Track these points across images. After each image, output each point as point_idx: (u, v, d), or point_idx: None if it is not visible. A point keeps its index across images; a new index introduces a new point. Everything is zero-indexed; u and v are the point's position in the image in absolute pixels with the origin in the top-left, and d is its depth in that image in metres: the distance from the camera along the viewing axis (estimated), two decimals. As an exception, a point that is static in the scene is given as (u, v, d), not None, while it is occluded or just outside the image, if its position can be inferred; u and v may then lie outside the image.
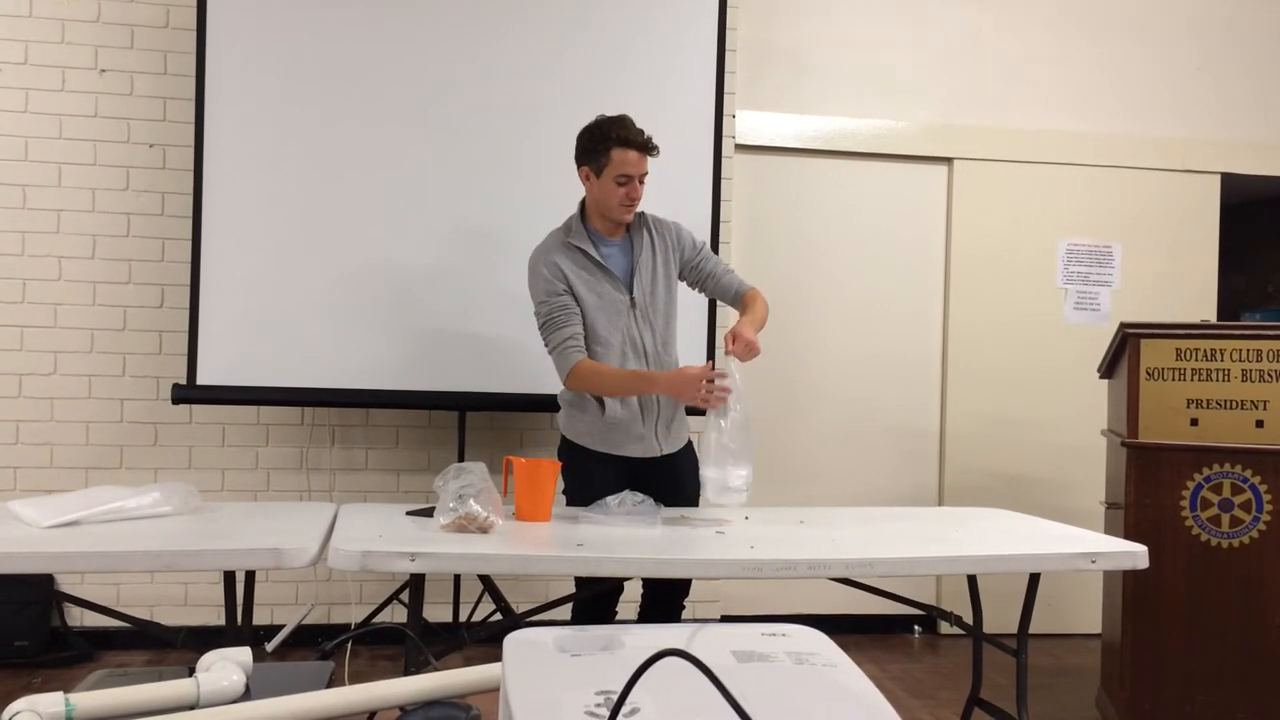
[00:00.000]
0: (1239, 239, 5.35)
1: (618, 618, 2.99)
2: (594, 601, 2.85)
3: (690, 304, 3.18)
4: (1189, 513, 3.08)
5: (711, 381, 2.52)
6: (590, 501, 2.59)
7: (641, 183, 2.72)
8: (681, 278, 2.95)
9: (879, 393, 4.55)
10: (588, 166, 2.74)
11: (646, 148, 2.69)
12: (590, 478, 2.77)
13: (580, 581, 2.74)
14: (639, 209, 2.82)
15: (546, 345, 2.77)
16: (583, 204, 2.84)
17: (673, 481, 2.81)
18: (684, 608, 2.97)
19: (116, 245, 3.89)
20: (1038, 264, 4.63)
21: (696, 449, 2.74)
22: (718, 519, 2.61)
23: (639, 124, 2.74)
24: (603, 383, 2.72)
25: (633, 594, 2.95)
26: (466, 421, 3.81)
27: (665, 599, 2.92)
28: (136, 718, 1.07)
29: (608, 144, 2.68)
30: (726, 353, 2.58)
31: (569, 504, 2.82)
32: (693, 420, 2.93)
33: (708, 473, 2.53)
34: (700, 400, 2.53)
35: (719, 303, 3.42)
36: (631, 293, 2.79)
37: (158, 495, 2.39)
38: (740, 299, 2.87)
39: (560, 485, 2.77)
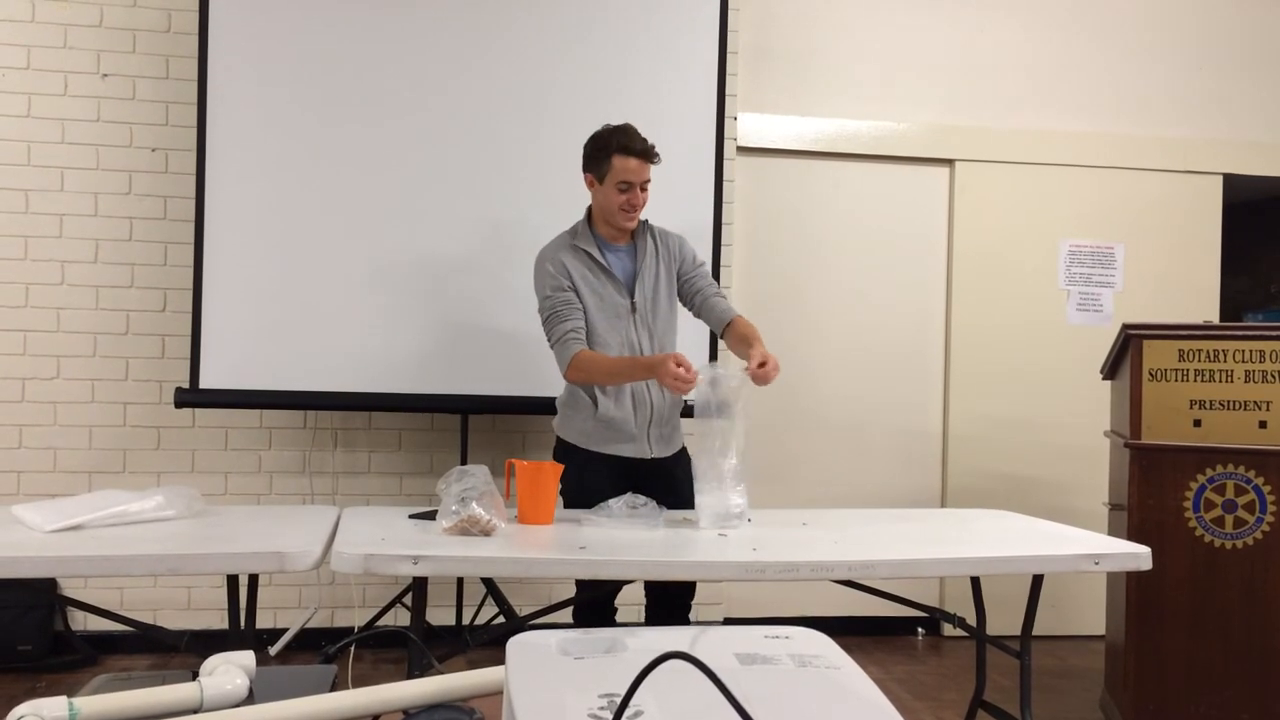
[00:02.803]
0: (1241, 240, 5.35)
1: (618, 616, 3.00)
2: (595, 602, 2.86)
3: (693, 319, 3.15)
4: (1192, 514, 3.07)
5: (681, 367, 2.50)
6: (584, 501, 2.59)
7: (644, 190, 2.78)
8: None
9: (881, 394, 4.55)
10: (590, 174, 2.80)
11: (647, 155, 2.74)
12: (583, 477, 2.79)
13: (581, 584, 2.74)
14: (645, 218, 2.87)
15: (549, 338, 2.81)
16: (590, 210, 2.89)
17: (666, 486, 2.81)
18: (690, 608, 2.97)
19: (119, 249, 3.89)
20: (1040, 265, 4.63)
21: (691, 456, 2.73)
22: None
23: (642, 127, 2.80)
24: (600, 369, 2.74)
25: (631, 596, 2.94)
26: (469, 424, 3.81)
27: (670, 602, 2.91)
28: (140, 722, 1.07)
29: (609, 151, 2.74)
30: (751, 372, 2.53)
31: (565, 505, 2.83)
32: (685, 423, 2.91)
33: (704, 500, 2.52)
34: (668, 381, 2.52)
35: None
36: (633, 297, 2.83)
37: (161, 499, 2.39)
38: (733, 325, 2.85)
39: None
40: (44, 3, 3.84)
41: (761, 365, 2.55)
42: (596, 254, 2.81)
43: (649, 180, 2.78)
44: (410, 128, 3.72)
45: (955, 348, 4.57)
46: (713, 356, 3.78)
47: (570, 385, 2.87)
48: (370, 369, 3.67)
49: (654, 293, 2.87)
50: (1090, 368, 4.25)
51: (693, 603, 2.98)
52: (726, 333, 2.87)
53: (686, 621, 3.00)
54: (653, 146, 2.75)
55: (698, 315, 2.98)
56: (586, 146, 2.81)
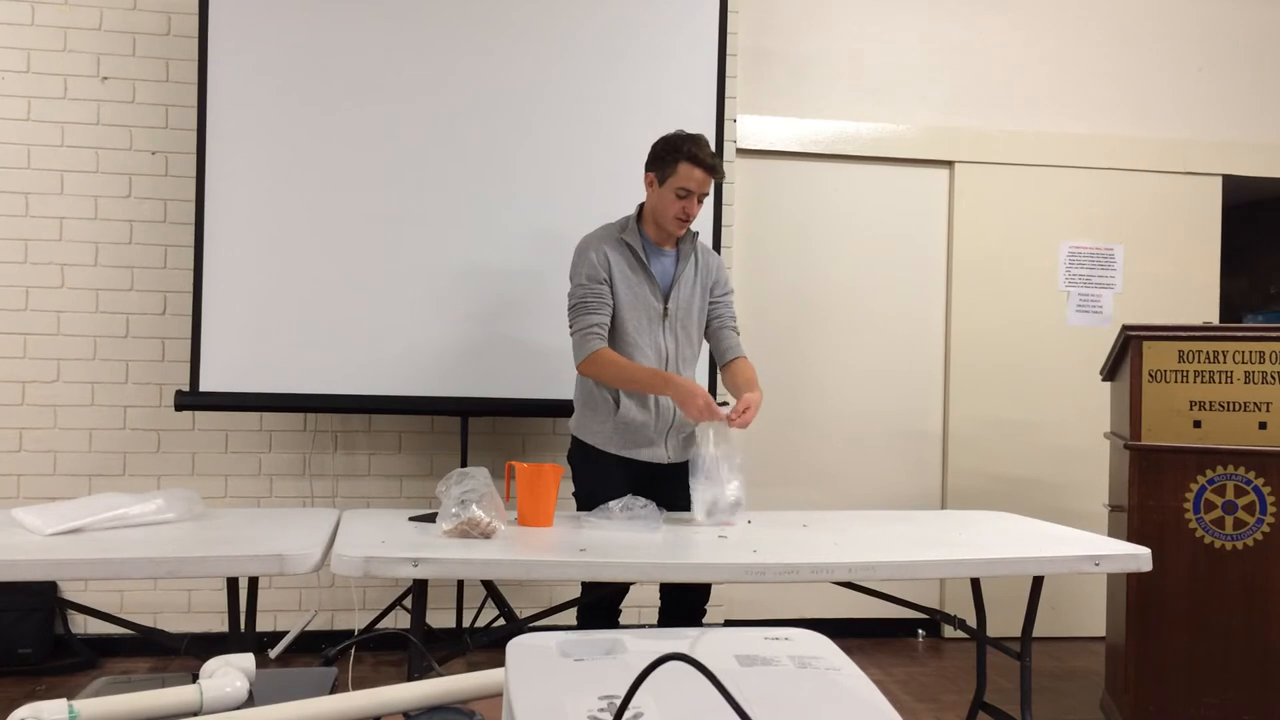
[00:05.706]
0: (1241, 241, 5.35)
1: (622, 619, 3.00)
2: (599, 604, 2.86)
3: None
4: (1192, 515, 3.07)
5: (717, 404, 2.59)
6: (598, 503, 2.60)
7: (700, 202, 2.81)
8: None
9: (881, 396, 4.55)
10: (654, 173, 2.82)
11: (713, 170, 2.77)
12: (599, 479, 2.81)
13: (586, 585, 2.74)
14: (695, 229, 2.91)
15: (571, 327, 2.82)
16: (640, 208, 2.91)
17: (680, 490, 2.82)
18: (704, 612, 2.96)
19: (119, 252, 3.89)
20: (1039, 267, 4.63)
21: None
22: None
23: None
24: (620, 372, 2.74)
25: (639, 598, 2.94)
26: (469, 427, 3.81)
27: (684, 605, 2.91)
28: (140, 724, 1.07)
29: (677, 156, 2.76)
30: (730, 420, 2.60)
31: (578, 506, 2.83)
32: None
33: (699, 494, 2.55)
34: (695, 404, 2.59)
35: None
36: (667, 302, 2.85)
37: (161, 502, 2.39)
38: (735, 365, 2.92)
39: (571, 489, 2.77)
40: (44, 6, 3.84)
41: (744, 410, 2.63)
42: (640, 252, 2.82)
43: (707, 193, 2.81)
44: (409, 131, 3.73)
45: (955, 349, 4.57)
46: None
47: (589, 385, 2.87)
48: (370, 371, 3.67)
49: (689, 302, 2.89)
50: (1090, 369, 4.25)
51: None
52: (727, 368, 2.93)
53: (699, 624, 3.00)
54: (720, 164, 2.80)
55: (706, 339, 3.01)
56: (656, 147, 2.83)
